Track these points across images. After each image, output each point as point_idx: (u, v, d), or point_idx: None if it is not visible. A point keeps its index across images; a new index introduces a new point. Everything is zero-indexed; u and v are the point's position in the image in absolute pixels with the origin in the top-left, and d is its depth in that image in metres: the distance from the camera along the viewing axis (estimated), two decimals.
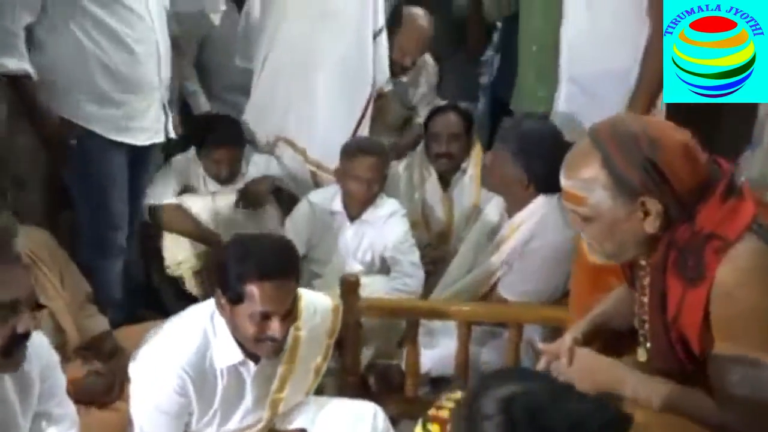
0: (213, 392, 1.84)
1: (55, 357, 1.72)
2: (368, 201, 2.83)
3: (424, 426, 2.16)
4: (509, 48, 3.14)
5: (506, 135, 2.55)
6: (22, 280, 1.53)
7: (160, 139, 2.66)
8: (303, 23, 2.94)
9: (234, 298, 1.72)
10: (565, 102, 2.69)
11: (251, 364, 1.86)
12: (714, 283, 1.37)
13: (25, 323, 1.48)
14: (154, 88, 2.56)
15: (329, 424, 2.02)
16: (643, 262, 1.56)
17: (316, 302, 2.04)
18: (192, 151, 3.01)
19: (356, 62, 3.02)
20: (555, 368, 1.65)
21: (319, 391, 2.22)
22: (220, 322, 1.82)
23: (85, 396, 1.94)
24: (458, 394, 2.24)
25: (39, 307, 2.01)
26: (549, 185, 2.39)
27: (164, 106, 2.64)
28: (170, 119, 2.69)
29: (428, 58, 3.54)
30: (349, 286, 2.38)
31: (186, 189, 3.01)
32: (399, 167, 3.24)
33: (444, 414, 2.15)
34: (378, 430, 2.01)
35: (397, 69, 3.32)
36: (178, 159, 3.02)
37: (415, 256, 2.84)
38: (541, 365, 1.70)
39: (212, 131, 2.96)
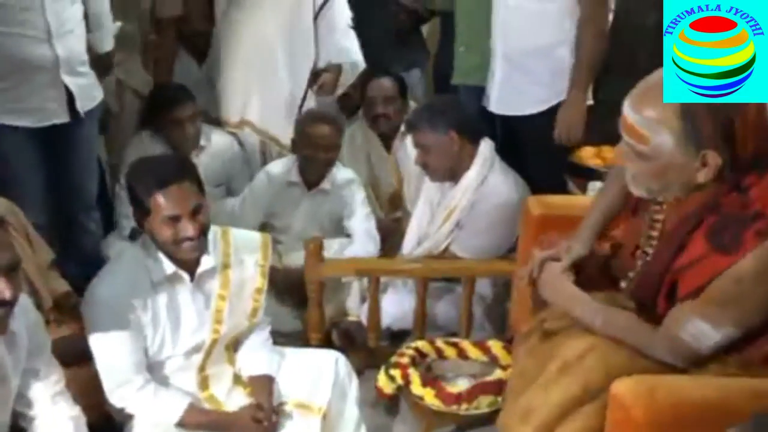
0: (157, 308, 1.96)
1: (39, 315, 1.78)
2: (325, 169, 2.95)
3: (386, 371, 2.34)
4: (449, 27, 3.25)
5: (410, 124, 2.70)
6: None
7: (62, 119, 2.56)
8: (249, 9, 3.10)
9: (145, 211, 1.89)
10: (500, 78, 2.79)
11: (186, 278, 1.98)
12: (736, 262, 1.41)
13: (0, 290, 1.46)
14: (43, 68, 2.47)
15: (293, 372, 2.11)
16: (660, 198, 1.61)
17: (244, 235, 2.16)
18: (145, 134, 3.03)
19: (300, 42, 3.14)
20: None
21: None
22: (151, 241, 1.97)
23: (67, 355, 1.95)
24: (417, 343, 2.42)
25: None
26: (472, 126, 2.64)
27: (66, 86, 2.54)
28: (82, 97, 2.59)
29: None
30: (313, 248, 2.52)
31: None
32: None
33: (405, 360, 2.33)
34: (340, 375, 2.11)
35: None
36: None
37: (372, 224, 2.99)
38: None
39: (164, 94, 3.03)
